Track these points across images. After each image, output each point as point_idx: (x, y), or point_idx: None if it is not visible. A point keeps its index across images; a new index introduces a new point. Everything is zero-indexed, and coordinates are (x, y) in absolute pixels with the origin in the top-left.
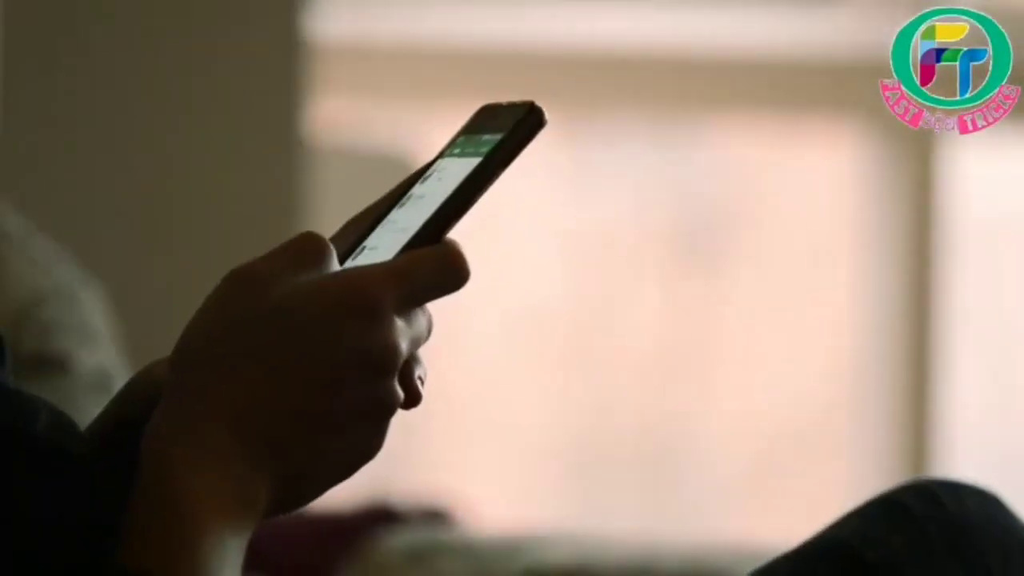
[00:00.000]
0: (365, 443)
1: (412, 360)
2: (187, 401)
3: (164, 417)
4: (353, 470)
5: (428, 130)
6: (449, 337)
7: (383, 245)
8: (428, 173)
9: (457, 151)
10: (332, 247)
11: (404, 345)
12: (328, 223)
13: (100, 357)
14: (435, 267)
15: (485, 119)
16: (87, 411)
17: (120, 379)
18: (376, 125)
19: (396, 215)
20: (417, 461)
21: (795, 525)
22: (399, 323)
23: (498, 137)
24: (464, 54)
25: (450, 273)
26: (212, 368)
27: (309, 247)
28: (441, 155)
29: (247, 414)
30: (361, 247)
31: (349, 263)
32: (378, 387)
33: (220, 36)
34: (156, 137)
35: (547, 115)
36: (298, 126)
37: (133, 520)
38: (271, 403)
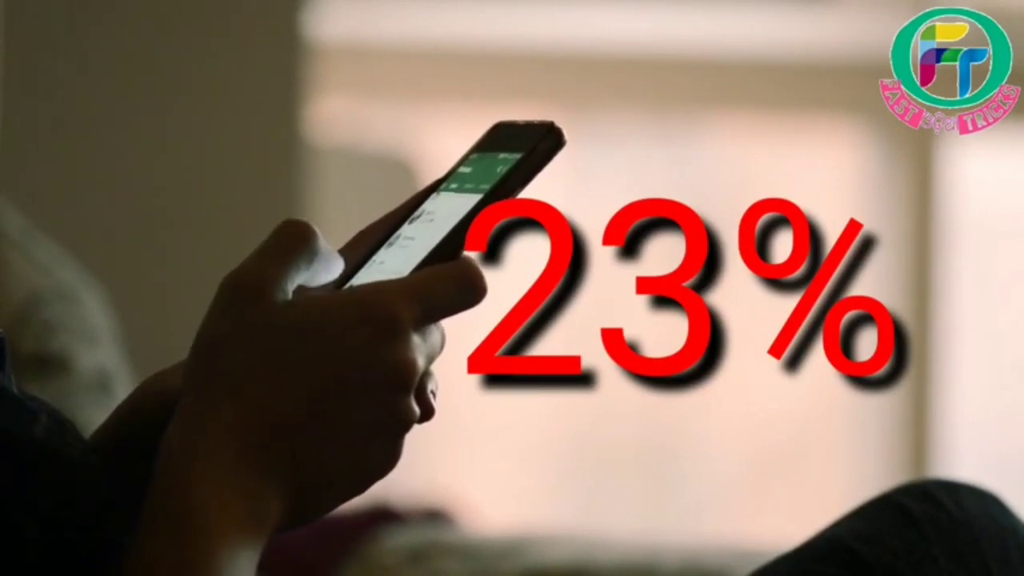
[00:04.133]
0: (379, 459)
1: (426, 375)
2: (201, 414)
3: (178, 429)
4: (367, 485)
5: (428, 130)
6: (449, 337)
7: (395, 260)
8: (441, 189)
9: (471, 169)
10: (316, 230)
11: (421, 361)
12: (328, 223)
13: (100, 357)
14: (453, 284)
15: (501, 137)
16: (87, 411)
17: (120, 379)
18: (376, 125)
19: (409, 230)
20: (417, 461)
21: (795, 525)
22: (416, 339)
23: (517, 156)
24: (464, 54)
25: (468, 290)
26: (227, 381)
27: (295, 238)
28: (454, 171)
29: (261, 429)
30: (371, 260)
31: (361, 275)
32: (395, 404)
33: (220, 36)
34: (156, 137)
35: (566, 135)
36: (298, 126)
37: (144, 531)
38: (285, 418)
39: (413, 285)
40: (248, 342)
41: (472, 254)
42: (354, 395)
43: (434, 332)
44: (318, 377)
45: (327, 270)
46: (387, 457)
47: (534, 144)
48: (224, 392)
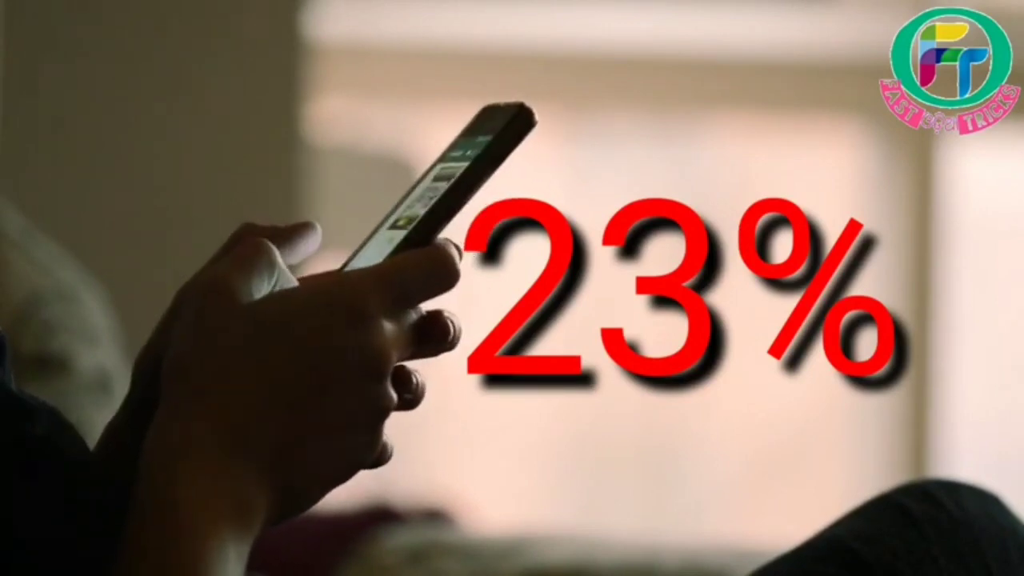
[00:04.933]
0: (361, 447)
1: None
2: (181, 415)
3: (160, 430)
4: (350, 474)
5: (428, 130)
6: None
7: (378, 246)
8: (426, 176)
9: (457, 153)
10: (271, 246)
11: (395, 348)
12: (328, 223)
13: (100, 357)
14: (422, 268)
15: (483, 120)
16: (87, 411)
17: (120, 379)
18: (376, 125)
19: (393, 219)
20: (417, 461)
21: (795, 525)
22: (388, 326)
23: (488, 139)
24: (464, 54)
25: (438, 274)
26: (205, 381)
27: (253, 248)
28: (442, 157)
29: (242, 424)
30: (364, 247)
31: (351, 265)
32: (370, 391)
33: (220, 36)
34: (156, 137)
35: (537, 115)
36: (298, 126)
37: (131, 531)
38: (264, 413)
39: (379, 272)
40: (219, 343)
41: (447, 239)
42: (328, 385)
43: (411, 317)
44: (291, 370)
45: (287, 284)
46: (368, 445)
47: (503, 126)
48: (201, 393)
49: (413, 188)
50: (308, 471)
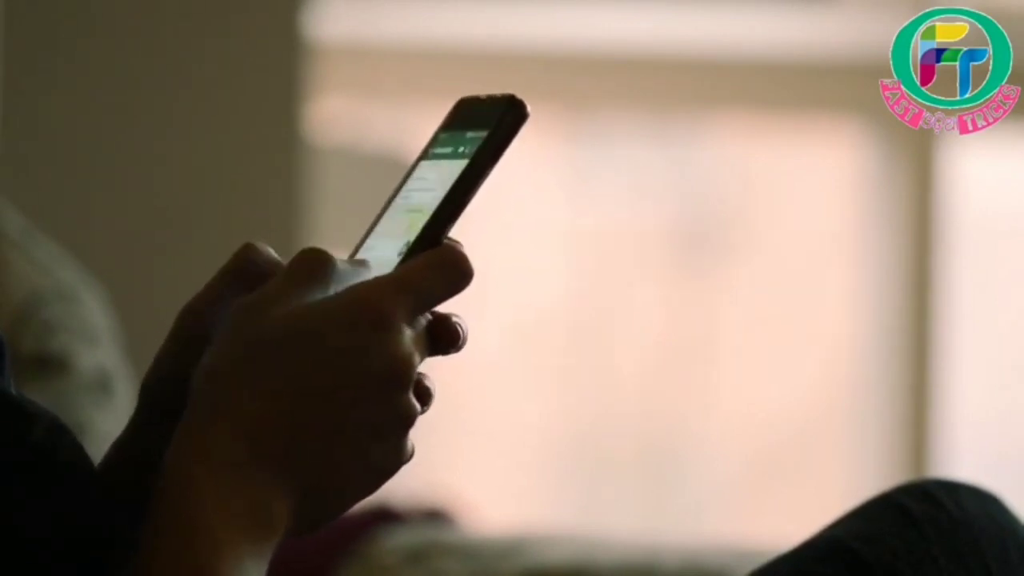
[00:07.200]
0: (386, 458)
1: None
2: (202, 427)
3: (180, 444)
4: (377, 484)
5: (428, 130)
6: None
7: (378, 251)
8: (413, 175)
9: (446, 151)
10: (334, 259)
11: (416, 355)
12: (328, 223)
13: (100, 357)
14: (439, 272)
15: (466, 114)
16: (87, 411)
17: (120, 379)
18: (376, 125)
19: (388, 218)
20: (417, 461)
21: (795, 525)
22: (409, 333)
23: (483, 134)
24: (464, 54)
25: (454, 275)
26: (230, 389)
27: (312, 264)
28: (425, 154)
29: (265, 434)
30: (358, 251)
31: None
32: (395, 400)
33: (220, 36)
34: (156, 137)
35: (529, 106)
36: (298, 126)
37: (148, 542)
38: (289, 422)
39: (399, 279)
40: (245, 354)
41: (454, 240)
42: (353, 396)
43: (422, 322)
44: (315, 382)
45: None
46: (395, 454)
47: (497, 120)
48: (222, 400)
49: (402, 184)
50: (333, 480)
